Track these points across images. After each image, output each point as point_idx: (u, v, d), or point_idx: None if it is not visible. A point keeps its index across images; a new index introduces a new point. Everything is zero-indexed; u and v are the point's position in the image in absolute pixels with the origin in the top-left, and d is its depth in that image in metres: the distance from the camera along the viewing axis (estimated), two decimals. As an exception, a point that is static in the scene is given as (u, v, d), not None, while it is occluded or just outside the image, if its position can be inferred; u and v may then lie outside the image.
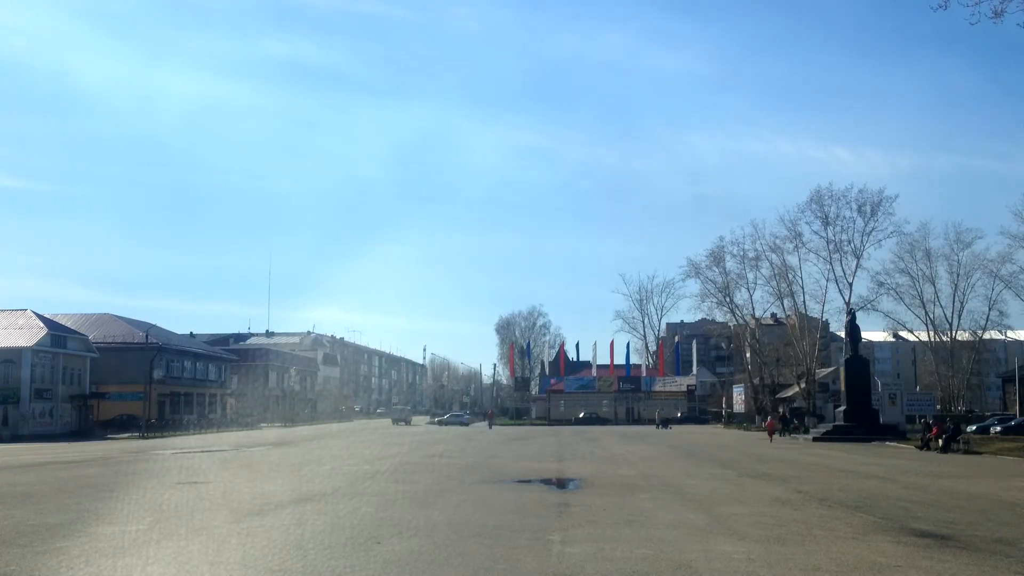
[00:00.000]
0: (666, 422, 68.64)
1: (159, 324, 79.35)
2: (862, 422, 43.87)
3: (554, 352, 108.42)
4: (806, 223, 61.15)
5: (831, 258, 60.33)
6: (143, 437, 52.72)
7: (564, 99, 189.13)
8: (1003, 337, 72.70)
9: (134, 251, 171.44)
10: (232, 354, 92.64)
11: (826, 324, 69.63)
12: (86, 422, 61.82)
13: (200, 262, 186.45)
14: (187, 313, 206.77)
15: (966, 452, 32.79)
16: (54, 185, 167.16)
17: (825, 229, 60.25)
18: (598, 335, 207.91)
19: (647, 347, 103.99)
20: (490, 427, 50.47)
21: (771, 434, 46.33)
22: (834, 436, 43.16)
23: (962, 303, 67.79)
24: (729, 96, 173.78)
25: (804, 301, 64.00)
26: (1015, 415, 54.22)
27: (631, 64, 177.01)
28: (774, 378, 69.28)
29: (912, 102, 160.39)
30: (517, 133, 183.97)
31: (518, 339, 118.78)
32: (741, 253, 66.99)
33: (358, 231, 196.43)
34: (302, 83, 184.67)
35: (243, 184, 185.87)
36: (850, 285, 60.30)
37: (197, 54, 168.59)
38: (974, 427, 48.09)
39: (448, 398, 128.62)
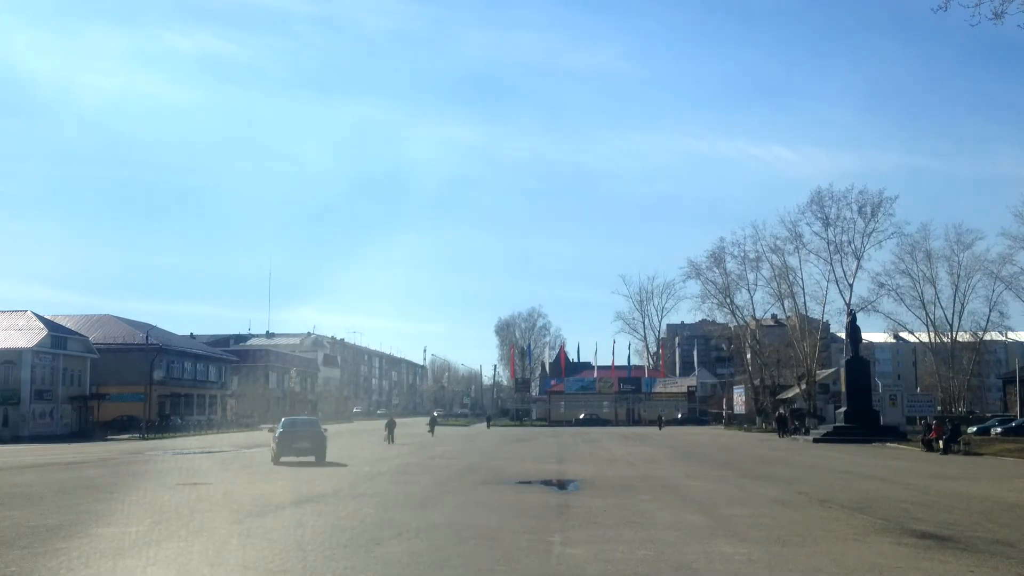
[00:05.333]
0: (660, 422, 71.41)
1: (159, 326, 79.43)
2: (863, 423, 43.83)
3: (554, 353, 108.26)
4: (806, 224, 61.00)
5: (831, 259, 60.14)
6: (143, 438, 52.65)
7: (495, 98, 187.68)
8: (1004, 338, 72.56)
9: (133, 254, 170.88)
10: (232, 355, 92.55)
11: (827, 325, 69.42)
12: (86, 423, 61.80)
13: (200, 265, 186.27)
14: (187, 315, 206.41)
15: (966, 453, 32.78)
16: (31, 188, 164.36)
17: (826, 230, 60.02)
18: (599, 336, 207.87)
19: (647, 348, 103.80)
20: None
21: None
22: (835, 437, 43.12)
23: (963, 304, 67.68)
24: (662, 95, 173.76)
25: (804, 302, 63.91)
26: (1016, 416, 54.20)
27: (552, 63, 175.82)
28: (774, 379, 69.15)
29: (850, 99, 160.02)
30: (454, 131, 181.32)
31: (518, 340, 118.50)
32: (742, 254, 66.80)
33: (355, 233, 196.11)
34: (230, 79, 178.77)
35: (236, 186, 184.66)
36: (850, 286, 60.17)
37: (112, 48, 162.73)
38: (975, 428, 48.05)
39: (448, 399, 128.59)
